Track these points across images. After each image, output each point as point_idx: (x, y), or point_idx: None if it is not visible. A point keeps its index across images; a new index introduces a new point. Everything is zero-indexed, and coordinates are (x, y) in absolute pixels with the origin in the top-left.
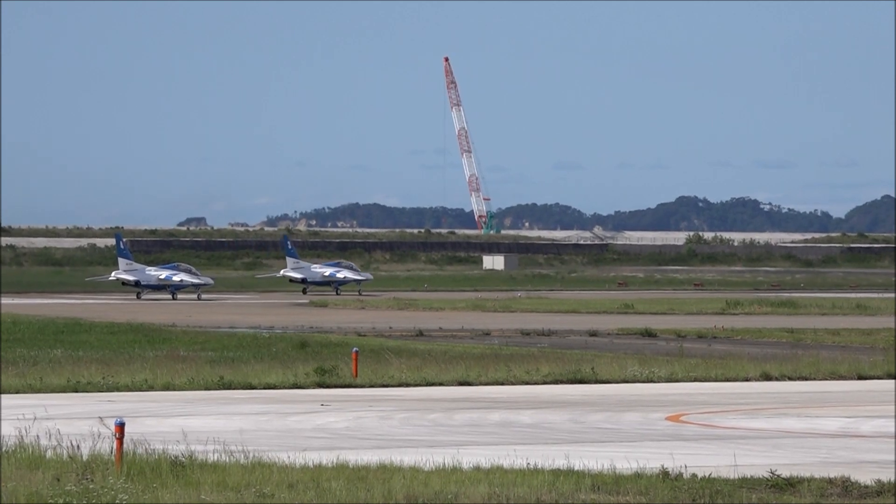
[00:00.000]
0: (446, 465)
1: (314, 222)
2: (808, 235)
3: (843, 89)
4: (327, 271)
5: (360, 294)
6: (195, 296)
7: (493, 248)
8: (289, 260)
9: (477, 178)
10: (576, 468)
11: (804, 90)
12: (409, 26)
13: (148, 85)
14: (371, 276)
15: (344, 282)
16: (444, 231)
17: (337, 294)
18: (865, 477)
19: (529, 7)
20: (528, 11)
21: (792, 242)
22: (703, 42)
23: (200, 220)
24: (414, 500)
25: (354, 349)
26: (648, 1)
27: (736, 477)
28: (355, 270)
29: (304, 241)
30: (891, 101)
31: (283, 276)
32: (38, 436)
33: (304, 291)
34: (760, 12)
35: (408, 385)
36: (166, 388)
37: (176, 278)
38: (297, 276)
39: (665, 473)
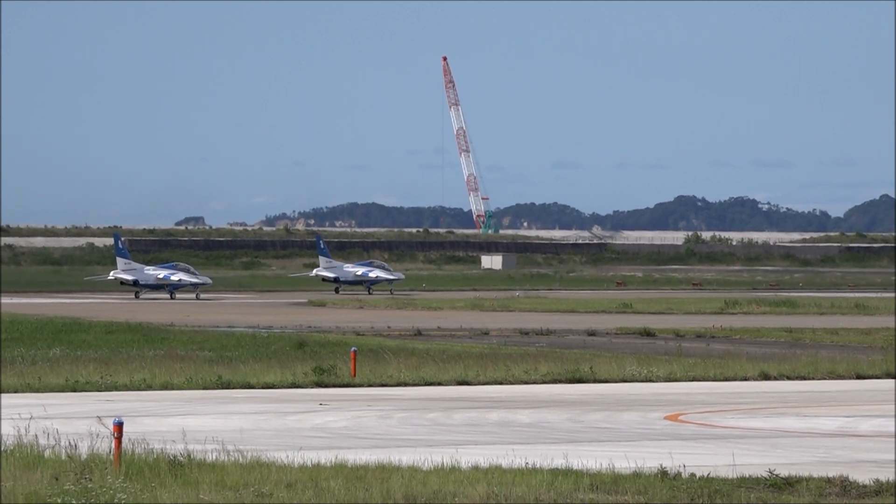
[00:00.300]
0: (445, 465)
1: (312, 222)
2: (807, 235)
3: (842, 89)
4: (359, 270)
5: (392, 293)
6: (193, 295)
7: (491, 247)
8: (321, 259)
9: (475, 178)
10: (574, 467)
11: (803, 90)
12: (407, 26)
13: (146, 85)
14: (403, 276)
15: (376, 281)
16: (442, 230)
17: (369, 293)
18: (864, 476)
19: (528, 7)
20: (527, 11)
21: (790, 242)
22: (702, 42)
23: (199, 220)
24: (412, 500)
25: (353, 348)
26: (648, 1)
27: (734, 476)
28: (387, 270)
29: (303, 241)
30: (890, 101)
31: (316, 276)
32: (36, 435)
33: (337, 291)
34: (760, 12)
35: (406, 384)
36: (165, 387)
37: (174, 278)
38: (330, 275)
39: (663, 473)
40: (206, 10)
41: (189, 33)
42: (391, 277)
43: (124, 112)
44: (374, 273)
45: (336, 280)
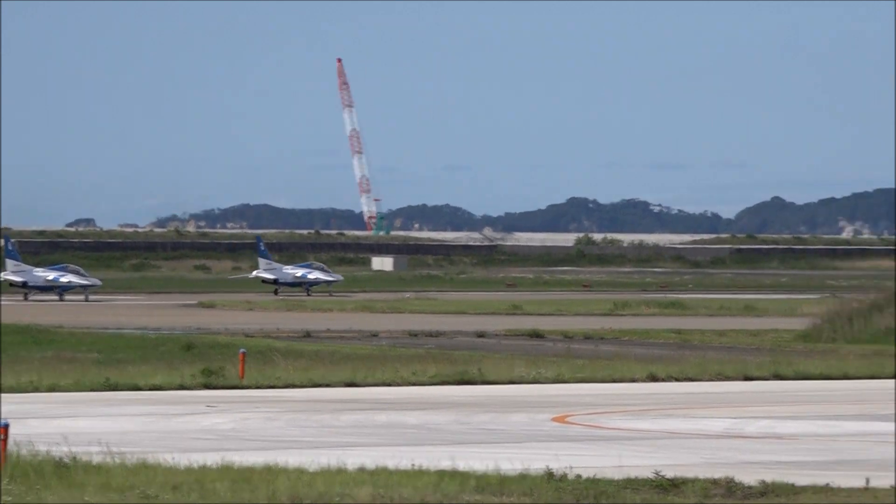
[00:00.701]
0: (331, 467)
1: (203, 223)
2: (697, 236)
3: (731, 90)
4: (299, 272)
5: (331, 294)
6: (83, 297)
7: (382, 249)
8: (261, 261)
9: (368, 180)
10: (461, 469)
11: (693, 91)
12: (299, 28)
13: (31, 83)
14: (342, 278)
15: (315, 283)
16: (333, 232)
17: (308, 295)
18: (749, 477)
19: (422, 7)
20: (420, 13)
21: (681, 243)
22: (591, 41)
23: (89, 221)
24: (298, 501)
25: (241, 350)
26: (534, 1)
27: (621, 478)
28: (326, 272)
29: (194, 243)
30: (787, 100)
31: (256, 278)
32: None
33: (276, 292)
34: (646, 12)
35: (294, 386)
36: (52, 389)
37: (63, 279)
38: (270, 277)
39: (550, 474)
40: (96, 8)
41: (74, 30)
42: (330, 279)
43: (10, 111)
44: (314, 275)
45: (276, 282)
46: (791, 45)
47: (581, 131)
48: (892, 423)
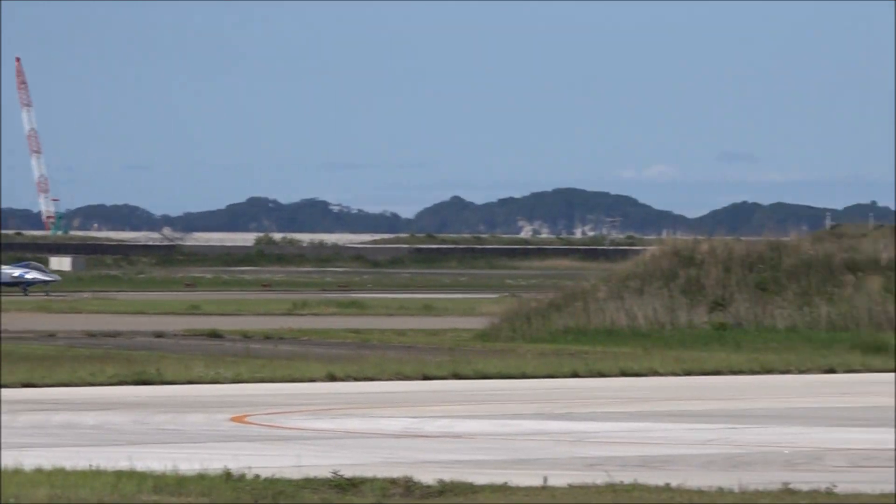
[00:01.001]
0: (7, 467)
1: None
2: (377, 236)
3: (411, 88)
4: (16, 272)
5: (48, 294)
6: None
7: (60, 249)
8: None
9: (46, 179)
10: (139, 469)
11: (372, 89)
12: None
13: None
14: (59, 278)
15: (32, 282)
16: (11, 232)
17: (25, 294)
18: (428, 477)
19: (97, 7)
20: (96, 12)
21: (361, 243)
22: (275, 42)
23: None
24: None
25: None
26: (224, 1)
27: (299, 477)
28: (44, 272)
29: None
30: (465, 100)
31: None
32: None
33: None
34: (324, 11)
35: None
36: None
37: (28, 276)
38: None
39: (228, 474)
40: None
41: None
42: (48, 279)
43: None
44: (31, 275)
45: None
46: (465, 46)
47: (261, 130)
48: (569, 422)
